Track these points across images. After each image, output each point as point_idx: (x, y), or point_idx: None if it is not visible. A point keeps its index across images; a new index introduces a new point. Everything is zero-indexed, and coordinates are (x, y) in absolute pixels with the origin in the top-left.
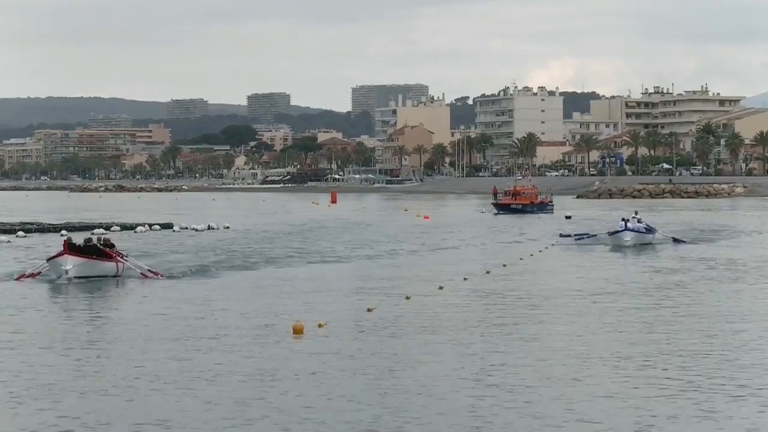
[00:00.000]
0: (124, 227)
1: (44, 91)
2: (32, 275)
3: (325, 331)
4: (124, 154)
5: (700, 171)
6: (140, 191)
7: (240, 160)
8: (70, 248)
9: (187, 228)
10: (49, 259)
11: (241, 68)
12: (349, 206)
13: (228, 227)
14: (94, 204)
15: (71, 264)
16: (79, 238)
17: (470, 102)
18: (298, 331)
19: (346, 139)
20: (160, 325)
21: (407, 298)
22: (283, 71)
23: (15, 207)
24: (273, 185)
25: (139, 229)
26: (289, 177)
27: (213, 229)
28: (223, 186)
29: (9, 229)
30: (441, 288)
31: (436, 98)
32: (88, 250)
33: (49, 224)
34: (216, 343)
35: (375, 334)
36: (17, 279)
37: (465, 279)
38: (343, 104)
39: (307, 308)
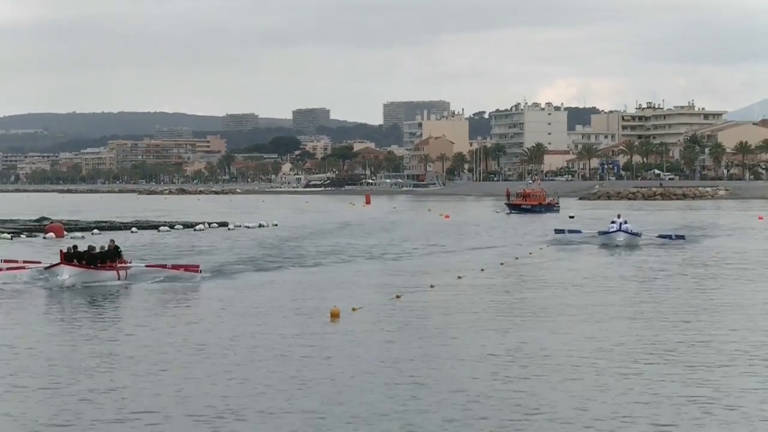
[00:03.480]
0: (186, 225)
1: (116, 107)
2: (20, 268)
3: (358, 315)
4: (185, 161)
5: (675, 176)
6: (199, 194)
7: (286, 167)
8: (68, 258)
9: (240, 226)
10: (46, 269)
11: (287, 86)
12: (381, 207)
13: (276, 225)
14: (159, 205)
15: (68, 274)
16: (105, 240)
17: (486, 116)
18: (335, 315)
19: (378, 149)
20: (210, 312)
21: (431, 286)
22: (324, 89)
23: (91, 208)
24: (315, 189)
25: (198, 226)
26: (328, 181)
27: (263, 226)
28: (272, 189)
29: (85, 227)
30: (460, 278)
31: (456, 113)
32: (89, 259)
33: (121, 222)
34: (263, 326)
35: (403, 317)
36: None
37: (482, 270)
38: (375, 118)
39: (343, 295)
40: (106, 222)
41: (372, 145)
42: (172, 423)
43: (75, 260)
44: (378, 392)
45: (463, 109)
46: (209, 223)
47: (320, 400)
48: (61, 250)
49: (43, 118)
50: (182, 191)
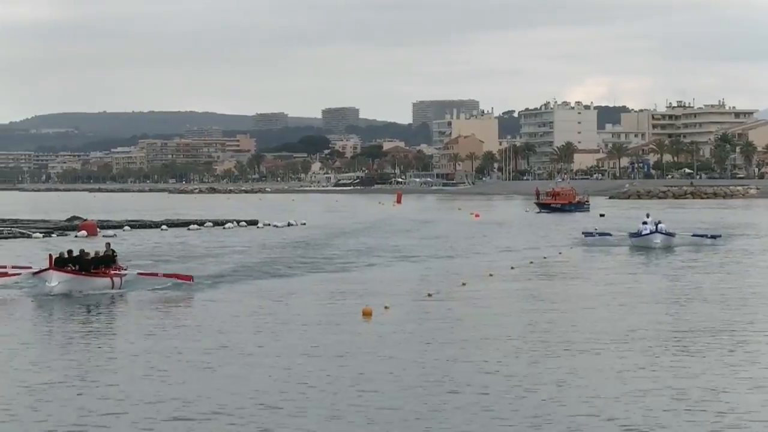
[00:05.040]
0: (216, 223)
1: (146, 106)
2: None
3: (390, 313)
4: (215, 160)
5: (697, 175)
6: (229, 193)
7: (316, 166)
8: (57, 264)
9: (269, 224)
10: (34, 274)
11: (317, 86)
12: (411, 206)
13: (304, 224)
14: (189, 204)
15: (56, 280)
16: (114, 243)
17: (516, 115)
18: (367, 313)
19: (407, 148)
20: (245, 310)
21: (463, 284)
22: (353, 88)
23: (122, 207)
24: (344, 187)
25: (228, 225)
26: (358, 180)
27: (292, 225)
28: (301, 188)
29: (117, 225)
30: (491, 276)
31: (486, 112)
32: (80, 265)
33: (151, 221)
34: (296, 324)
35: (435, 315)
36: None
37: (512, 268)
38: (404, 117)
39: (375, 293)
40: (137, 220)
41: (401, 144)
42: (210, 421)
43: (67, 265)
44: (410, 390)
45: (492, 108)
46: (239, 222)
47: (352, 398)
48: (50, 255)
49: (74, 117)
50: (212, 190)
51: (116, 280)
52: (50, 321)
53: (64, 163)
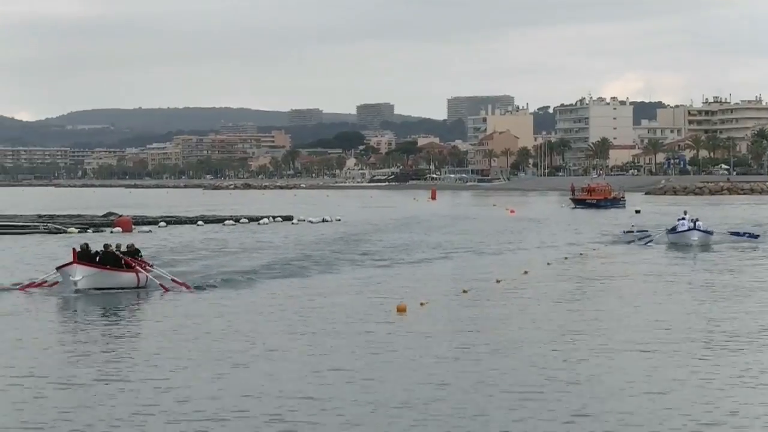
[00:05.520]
0: (251, 219)
1: (182, 102)
2: (40, 284)
3: (425, 310)
4: (250, 156)
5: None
6: (264, 189)
7: (350, 162)
8: (80, 257)
9: (304, 220)
10: (58, 268)
11: (351, 82)
12: (445, 202)
13: (340, 219)
14: (224, 199)
15: (80, 275)
16: (123, 240)
17: (551, 111)
18: (401, 310)
19: (442, 144)
20: (278, 306)
21: (498, 281)
22: (388, 84)
23: (157, 202)
24: (379, 183)
25: (263, 220)
26: (393, 176)
27: (327, 221)
28: (336, 184)
29: (152, 221)
30: (526, 273)
31: (521, 108)
32: (104, 259)
33: (186, 217)
34: (330, 320)
35: (470, 311)
36: (21, 289)
37: (548, 264)
38: (439, 113)
39: (409, 290)
40: (172, 216)
41: (436, 140)
42: (243, 418)
43: (90, 259)
44: (444, 387)
45: (527, 104)
46: (274, 217)
47: (386, 394)
48: (73, 248)
49: (110, 113)
50: (247, 186)
51: (141, 275)
52: (75, 316)
53: (100, 159)
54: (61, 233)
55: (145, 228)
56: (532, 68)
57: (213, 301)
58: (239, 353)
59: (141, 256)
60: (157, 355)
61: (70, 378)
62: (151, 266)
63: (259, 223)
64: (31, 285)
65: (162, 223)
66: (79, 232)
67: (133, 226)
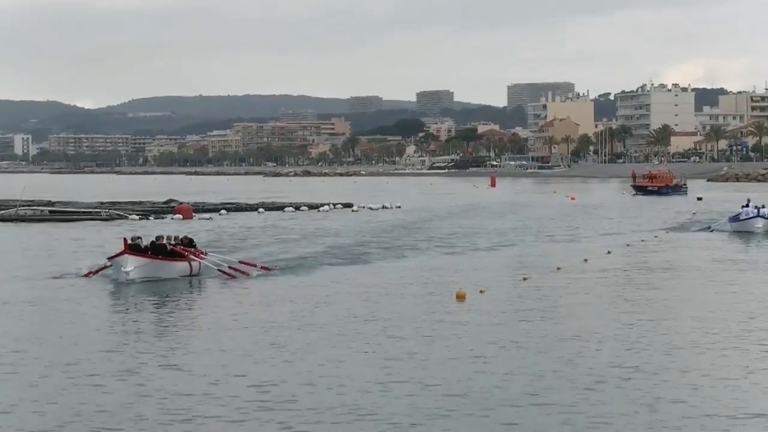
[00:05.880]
0: (311, 206)
1: (242, 90)
2: (97, 271)
3: (485, 297)
4: (310, 143)
5: None
6: (324, 176)
7: (410, 149)
8: (132, 248)
9: (364, 207)
10: (109, 258)
11: (411, 69)
12: (505, 189)
13: (400, 206)
14: (284, 187)
15: (132, 265)
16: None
17: (612, 97)
18: (460, 297)
19: (502, 131)
20: (338, 292)
21: (558, 269)
22: (447, 71)
23: (217, 189)
24: (439, 171)
25: (323, 208)
26: (452, 163)
27: (387, 208)
28: (396, 171)
29: (212, 208)
30: (586, 260)
31: (581, 94)
32: (155, 250)
33: (247, 204)
34: (389, 306)
35: (529, 299)
36: (86, 275)
37: (608, 252)
38: (499, 100)
39: (469, 276)
40: (232, 203)
41: (496, 127)
42: (309, 398)
43: (142, 251)
44: (506, 376)
45: (588, 91)
46: (334, 205)
47: (445, 381)
48: (124, 238)
49: (171, 101)
50: (307, 173)
51: (195, 264)
52: (128, 307)
53: (161, 146)
54: (123, 219)
55: (206, 215)
56: (593, 55)
57: (274, 287)
58: (301, 340)
59: (195, 246)
60: (218, 342)
61: (129, 366)
62: (205, 254)
63: (319, 210)
64: (95, 272)
65: (223, 211)
66: (140, 218)
67: (194, 214)
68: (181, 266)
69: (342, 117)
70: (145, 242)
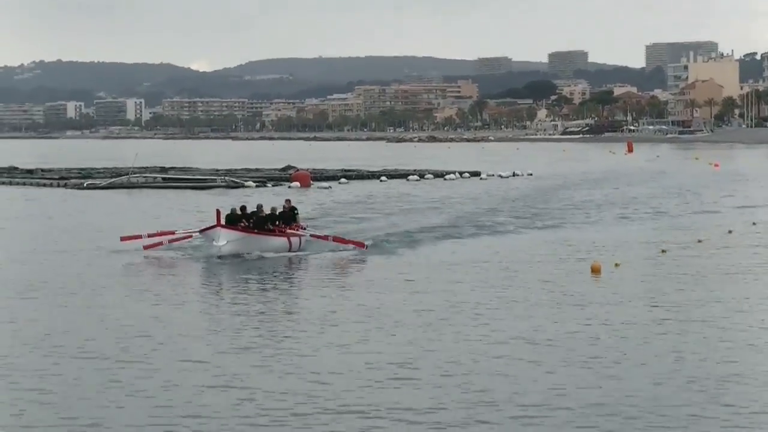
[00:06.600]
0: (436, 174)
1: (363, 51)
2: (174, 241)
3: (621, 270)
4: (435, 107)
5: None
6: (450, 142)
7: (542, 113)
8: (230, 220)
9: (493, 175)
10: (201, 231)
11: (543, 28)
12: (643, 155)
13: (531, 174)
14: (408, 153)
15: (224, 239)
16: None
17: (758, 57)
18: (595, 270)
19: (640, 93)
20: (467, 263)
21: (699, 241)
22: (582, 30)
23: (337, 156)
24: (572, 136)
25: (449, 176)
26: (587, 128)
27: (518, 175)
28: (526, 137)
29: (331, 176)
30: (730, 232)
31: (725, 54)
32: (255, 222)
33: (368, 171)
34: (521, 280)
35: (669, 273)
36: (152, 246)
37: (753, 224)
38: (637, 60)
39: (604, 248)
40: (353, 171)
41: (633, 90)
42: (438, 386)
43: (238, 223)
44: (641, 350)
45: (732, 51)
46: (461, 173)
47: (582, 356)
48: (217, 210)
49: (289, 63)
50: (432, 138)
51: (294, 240)
52: (220, 285)
53: (279, 110)
54: (239, 187)
55: (324, 184)
56: (738, 11)
57: (395, 260)
58: (424, 315)
59: (297, 214)
60: (336, 321)
61: (243, 342)
62: (305, 228)
63: (445, 179)
64: (173, 241)
65: (343, 179)
66: (256, 186)
67: (312, 181)
68: (278, 242)
69: (469, 79)
70: (249, 209)
